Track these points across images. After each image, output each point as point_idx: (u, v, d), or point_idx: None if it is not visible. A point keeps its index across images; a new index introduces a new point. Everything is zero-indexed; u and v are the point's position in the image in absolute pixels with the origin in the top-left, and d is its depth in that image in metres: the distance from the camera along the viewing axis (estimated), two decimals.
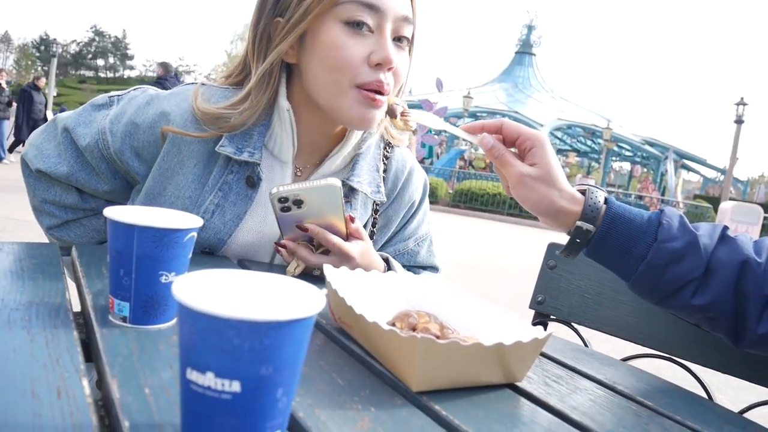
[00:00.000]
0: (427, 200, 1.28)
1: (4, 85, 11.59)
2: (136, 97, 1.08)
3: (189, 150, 1.02)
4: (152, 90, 1.10)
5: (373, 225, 1.17)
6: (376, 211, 1.16)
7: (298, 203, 0.95)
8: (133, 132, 1.03)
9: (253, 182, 1.04)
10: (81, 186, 1.09)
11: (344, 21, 0.94)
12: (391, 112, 0.94)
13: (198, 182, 1.03)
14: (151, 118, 1.03)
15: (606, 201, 0.82)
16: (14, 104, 11.86)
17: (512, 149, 0.86)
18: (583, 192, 0.83)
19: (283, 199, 0.94)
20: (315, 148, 1.10)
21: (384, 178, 1.17)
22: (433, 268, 1.27)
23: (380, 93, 0.96)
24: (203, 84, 1.07)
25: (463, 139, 0.92)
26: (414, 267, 1.24)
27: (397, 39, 0.99)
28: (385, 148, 1.17)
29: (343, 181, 1.09)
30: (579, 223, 0.81)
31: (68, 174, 1.06)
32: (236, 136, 1.02)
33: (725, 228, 0.81)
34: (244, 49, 1.07)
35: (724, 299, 0.78)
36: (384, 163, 1.17)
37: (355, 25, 0.94)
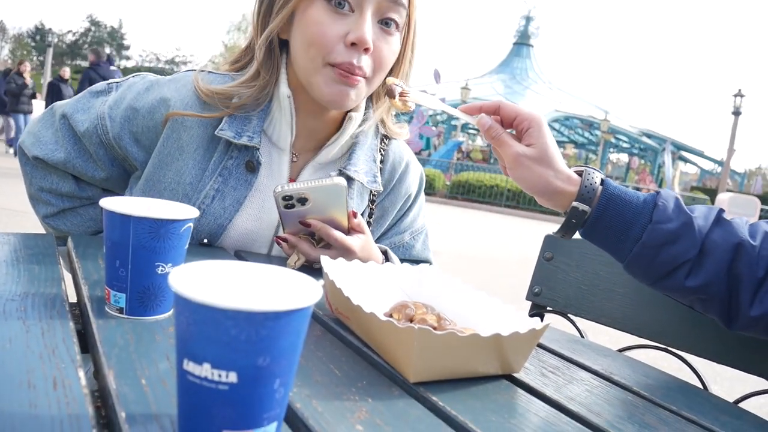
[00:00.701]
0: (423, 194, 1.28)
1: (29, 80, 11.58)
2: (135, 83, 1.07)
3: (189, 136, 1.02)
4: (152, 76, 1.09)
5: (369, 215, 1.17)
6: (372, 201, 1.16)
7: (303, 201, 0.95)
8: (132, 117, 1.03)
9: (252, 167, 1.04)
10: (78, 173, 1.08)
11: None
12: (389, 93, 0.93)
13: (198, 168, 1.03)
14: (150, 104, 1.03)
15: (602, 182, 0.83)
16: (37, 96, 11.91)
17: (510, 130, 0.86)
18: (580, 173, 0.84)
19: (287, 197, 0.94)
20: (312, 134, 1.10)
21: (381, 168, 1.16)
22: (427, 262, 1.27)
23: (352, 74, 0.96)
24: (202, 70, 1.06)
25: (462, 122, 0.92)
26: (408, 260, 1.24)
27: (384, 23, 0.98)
28: (382, 140, 1.17)
29: (339, 170, 1.09)
30: (575, 203, 0.81)
31: (65, 160, 1.06)
32: (236, 120, 1.02)
33: (721, 210, 0.82)
34: (249, 32, 1.08)
35: (718, 281, 0.78)
36: (381, 154, 1.16)
37: (337, 4, 0.94)
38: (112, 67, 9.49)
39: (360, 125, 1.11)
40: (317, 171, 1.11)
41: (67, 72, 11.90)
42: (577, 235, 0.86)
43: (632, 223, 0.80)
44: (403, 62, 1.05)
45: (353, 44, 0.94)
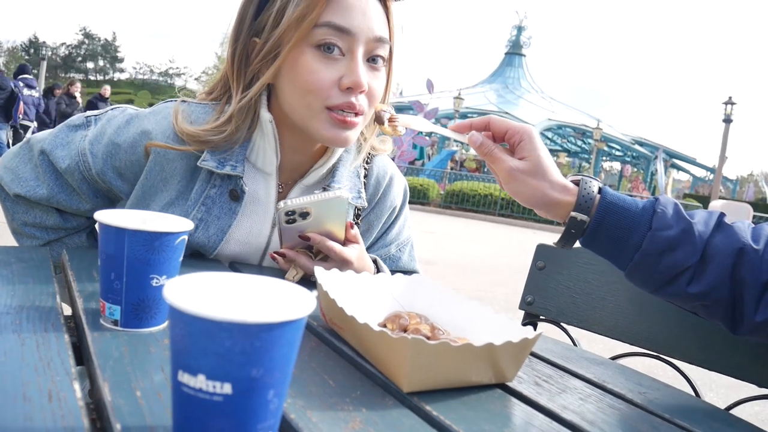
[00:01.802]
0: (407, 206, 1.29)
1: (79, 97, 11.25)
2: (115, 117, 1.06)
3: (172, 167, 1.02)
4: (131, 109, 1.08)
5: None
6: (357, 215, 1.17)
7: (305, 215, 0.95)
8: (114, 152, 1.02)
9: (236, 195, 1.03)
10: (62, 207, 1.07)
11: (315, 45, 0.93)
12: (378, 119, 0.94)
13: (181, 198, 1.02)
14: (132, 138, 1.02)
15: (600, 191, 0.83)
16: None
17: (503, 144, 0.86)
18: (577, 182, 0.84)
19: (290, 212, 0.95)
20: (297, 166, 1.10)
21: (365, 183, 1.17)
22: (413, 273, 1.28)
23: (352, 112, 0.96)
24: (183, 101, 1.05)
25: (453, 139, 0.93)
26: (395, 272, 1.25)
27: (372, 60, 0.98)
28: (366, 156, 1.17)
29: (323, 188, 1.09)
30: (573, 213, 0.81)
31: (48, 197, 1.05)
32: (218, 149, 1.01)
33: (722, 215, 0.81)
34: (224, 68, 1.06)
35: (721, 287, 0.77)
36: (365, 169, 1.17)
37: (326, 49, 0.93)
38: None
39: (347, 149, 1.12)
40: (303, 192, 1.10)
41: (107, 90, 11.48)
42: (575, 244, 0.86)
43: (631, 231, 0.80)
44: (387, 88, 1.05)
45: (348, 88, 0.94)
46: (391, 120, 0.93)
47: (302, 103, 0.96)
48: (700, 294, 0.78)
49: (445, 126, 0.93)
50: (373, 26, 0.95)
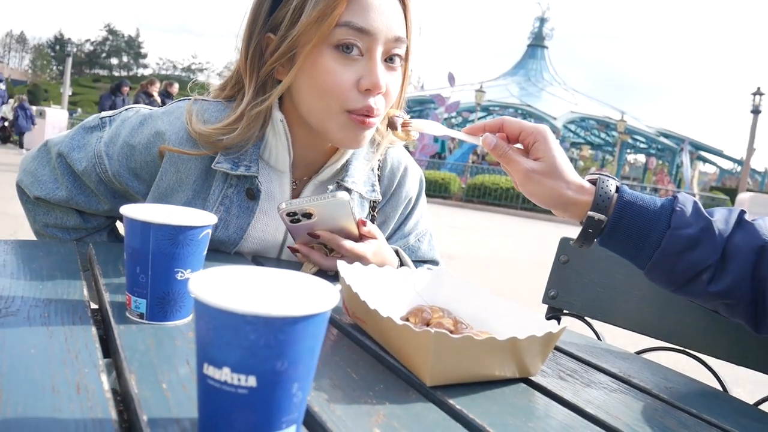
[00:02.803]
0: (423, 196, 1.28)
1: (157, 98, 11.10)
2: (129, 118, 1.06)
3: (187, 168, 1.02)
4: (145, 109, 1.08)
5: (372, 222, 1.17)
6: (373, 208, 1.17)
7: (308, 215, 0.95)
8: (129, 154, 1.03)
9: (253, 195, 1.04)
10: (81, 208, 1.09)
11: (334, 45, 0.93)
12: (392, 125, 0.93)
13: (198, 198, 1.03)
14: (146, 139, 1.02)
15: (618, 189, 0.82)
16: None
17: (518, 145, 0.86)
18: (593, 182, 0.83)
19: (291, 213, 0.95)
20: (310, 163, 1.10)
21: (380, 176, 1.17)
22: (433, 262, 1.28)
23: (370, 116, 0.96)
24: (196, 99, 1.05)
25: (467, 142, 0.92)
26: (415, 262, 1.24)
27: (389, 59, 0.97)
28: (377, 148, 1.17)
29: (337, 183, 1.09)
30: (590, 213, 0.80)
31: (68, 198, 1.06)
32: (231, 150, 1.01)
33: (742, 212, 0.80)
34: (237, 65, 1.06)
35: (742, 285, 0.76)
36: (379, 162, 1.17)
37: (345, 49, 0.93)
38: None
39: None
40: (317, 188, 1.10)
41: (175, 87, 11.00)
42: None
43: (650, 230, 0.79)
44: (403, 88, 1.05)
45: (367, 90, 0.94)
46: (404, 125, 0.93)
47: (320, 105, 0.96)
48: (721, 293, 0.77)
49: (469, 121, 0.93)
50: (392, 26, 0.95)
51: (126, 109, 1.10)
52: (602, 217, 0.80)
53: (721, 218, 0.79)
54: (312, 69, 0.94)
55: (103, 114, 1.10)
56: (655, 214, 0.79)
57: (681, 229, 0.77)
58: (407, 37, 0.99)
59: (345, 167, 1.11)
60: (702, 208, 0.80)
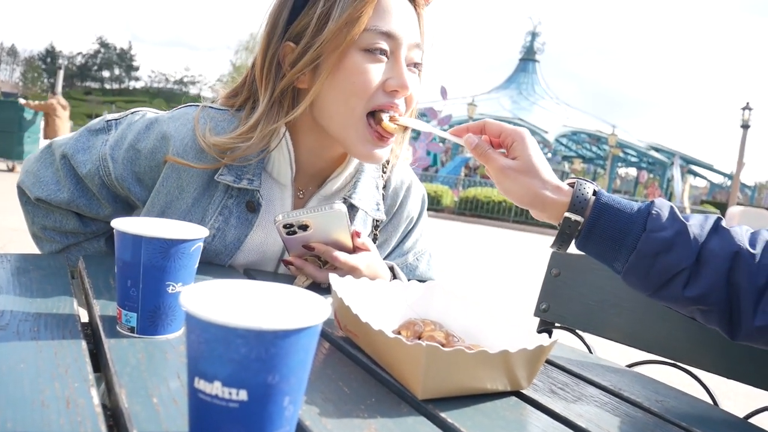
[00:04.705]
0: (425, 215, 1.28)
1: None
2: (135, 122, 1.06)
3: (188, 175, 1.02)
4: (151, 113, 1.08)
5: (373, 240, 1.17)
6: (376, 227, 1.17)
7: (304, 227, 0.96)
8: (134, 158, 1.03)
9: (253, 207, 1.04)
10: (82, 211, 1.08)
11: (363, 48, 0.95)
12: (377, 119, 0.97)
13: (197, 206, 1.03)
14: (152, 143, 1.02)
15: (595, 192, 0.83)
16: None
17: (501, 150, 0.88)
18: (572, 185, 0.85)
19: (288, 225, 0.95)
20: (316, 172, 1.10)
21: (383, 195, 1.17)
22: None
23: (392, 112, 0.98)
24: (204, 106, 1.05)
25: (450, 141, 0.96)
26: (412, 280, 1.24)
27: (413, 65, 1.00)
28: (383, 165, 1.18)
29: (344, 199, 1.09)
30: (567, 214, 0.82)
31: (69, 201, 1.05)
32: (236, 162, 1.01)
33: (719, 219, 0.81)
34: (247, 72, 1.06)
35: (717, 291, 0.77)
36: (384, 180, 1.17)
37: (373, 51, 0.95)
38: None
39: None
40: (321, 202, 1.10)
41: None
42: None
43: (626, 233, 0.80)
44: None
45: (394, 90, 0.96)
46: (392, 119, 0.96)
47: (344, 108, 0.97)
48: (696, 298, 0.78)
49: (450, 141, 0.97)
50: (412, 32, 0.98)
51: (132, 113, 1.09)
52: (579, 218, 0.81)
53: (696, 223, 0.80)
54: (342, 71, 0.96)
55: (109, 117, 1.10)
56: (631, 217, 0.80)
57: (656, 232, 0.78)
58: (422, 45, 1.02)
59: (354, 184, 1.11)
60: (678, 213, 0.81)
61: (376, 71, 0.96)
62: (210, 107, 1.06)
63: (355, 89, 0.95)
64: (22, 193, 1.10)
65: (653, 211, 0.80)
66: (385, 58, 0.96)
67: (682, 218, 0.80)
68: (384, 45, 0.95)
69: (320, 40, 0.94)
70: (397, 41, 0.96)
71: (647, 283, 0.81)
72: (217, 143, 0.99)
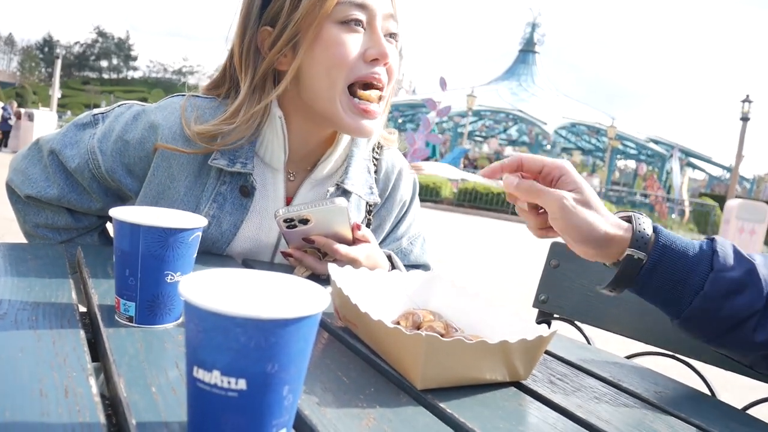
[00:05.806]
0: (417, 199, 1.29)
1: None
2: (122, 114, 1.06)
3: (179, 163, 1.02)
4: (138, 105, 1.08)
5: (367, 225, 1.17)
6: (369, 212, 1.17)
7: (304, 221, 0.96)
8: (123, 149, 1.02)
9: (247, 192, 1.04)
10: (73, 206, 1.07)
11: (338, 21, 0.96)
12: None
13: (190, 194, 1.03)
14: (140, 134, 1.02)
15: (654, 229, 0.76)
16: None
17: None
18: (626, 219, 0.78)
19: (288, 219, 0.95)
20: (306, 154, 1.10)
21: (375, 179, 1.17)
22: (425, 267, 1.28)
23: (375, 86, 0.99)
24: (190, 96, 1.05)
25: (484, 183, 0.88)
26: (407, 265, 1.25)
27: (387, 35, 1.01)
28: (374, 150, 1.18)
29: (336, 184, 1.09)
30: (630, 250, 0.74)
31: (59, 196, 1.05)
32: (228, 147, 1.01)
33: None
34: (226, 63, 1.06)
35: None
36: (375, 165, 1.17)
37: (348, 23, 0.96)
38: None
39: (354, 140, 1.12)
40: (314, 187, 1.11)
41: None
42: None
43: (691, 272, 0.73)
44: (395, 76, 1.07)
45: (374, 59, 0.98)
46: (417, 168, 0.90)
47: (326, 83, 0.98)
48: (767, 342, 0.72)
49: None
50: (384, 1, 0.99)
51: (119, 105, 1.09)
52: (642, 255, 0.74)
53: (762, 262, 0.74)
54: (320, 46, 0.97)
55: (96, 110, 1.10)
56: (696, 256, 0.73)
57: (725, 272, 0.72)
58: (396, 16, 1.03)
59: (345, 169, 1.11)
60: (743, 252, 0.75)
61: (354, 41, 0.97)
62: (196, 96, 1.06)
63: (335, 61, 0.96)
64: (11, 191, 1.09)
65: (718, 249, 0.74)
66: (361, 29, 0.98)
67: (748, 257, 0.74)
68: (359, 15, 0.97)
69: (296, 18, 0.96)
70: (371, 12, 0.97)
71: (711, 328, 0.74)
72: (200, 131, 0.99)
